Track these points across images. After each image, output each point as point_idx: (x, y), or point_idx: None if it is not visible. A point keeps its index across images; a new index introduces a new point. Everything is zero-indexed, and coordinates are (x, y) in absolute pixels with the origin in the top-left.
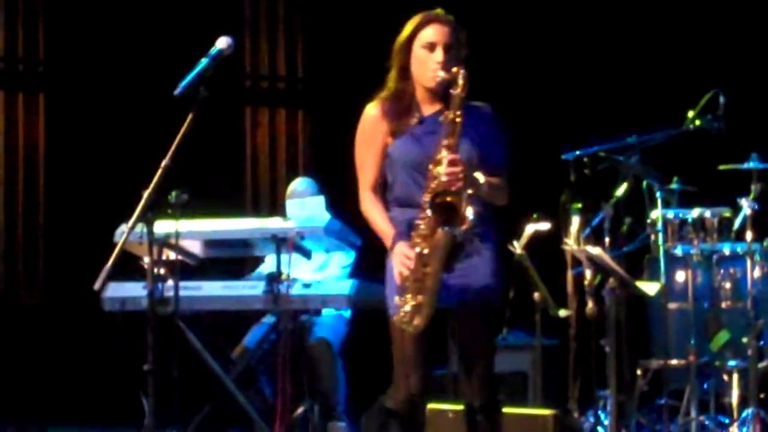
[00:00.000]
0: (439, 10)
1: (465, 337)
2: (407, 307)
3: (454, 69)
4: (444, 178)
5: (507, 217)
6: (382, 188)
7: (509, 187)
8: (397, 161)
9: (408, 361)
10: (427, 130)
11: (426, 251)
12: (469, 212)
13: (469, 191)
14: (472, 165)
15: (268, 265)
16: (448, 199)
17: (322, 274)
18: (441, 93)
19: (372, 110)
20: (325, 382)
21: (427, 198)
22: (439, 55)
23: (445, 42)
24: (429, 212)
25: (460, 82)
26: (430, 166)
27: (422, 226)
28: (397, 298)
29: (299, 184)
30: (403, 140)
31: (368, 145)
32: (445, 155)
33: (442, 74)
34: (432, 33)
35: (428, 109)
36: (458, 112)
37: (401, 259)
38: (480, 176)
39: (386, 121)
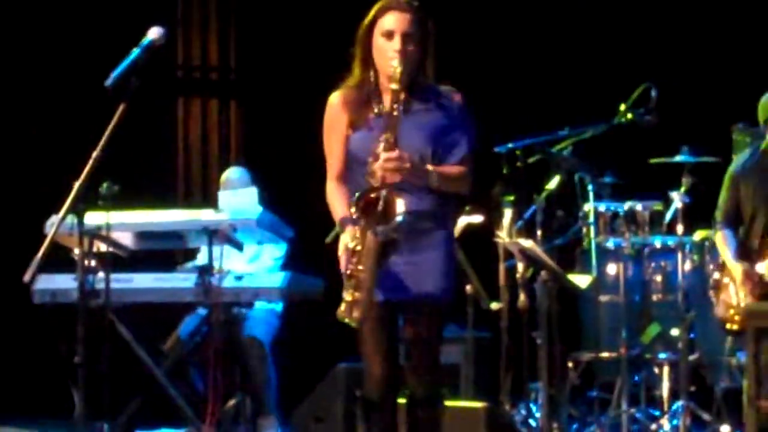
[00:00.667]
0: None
1: (413, 330)
2: (346, 302)
3: (393, 63)
4: (380, 173)
5: None
6: (348, 177)
7: (471, 175)
8: (354, 154)
9: (369, 351)
10: (383, 124)
11: (359, 248)
12: (399, 207)
13: (389, 188)
14: (424, 156)
15: (202, 257)
16: (372, 196)
17: (255, 266)
18: (405, 83)
19: (334, 99)
20: (255, 378)
21: (355, 196)
22: (396, 43)
23: (404, 30)
24: (353, 211)
25: (398, 76)
26: (369, 160)
27: (357, 224)
28: (344, 292)
29: (232, 173)
30: (359, 134)
31: (332, 134)
32: (381, 149)
33: (395, 64)
34: (391, 21)
35: (390, 99)
36: (395, 106)
37: (343, 251)
38: (428, 167)
39: (346, 112)
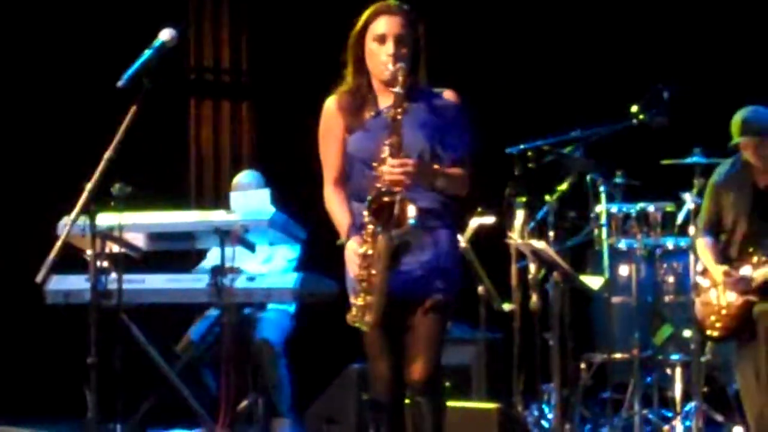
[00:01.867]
0: (391, 1)
1: (416, 328)
2: (357, 306)
3: (395, 66)
4: (387, 177)
5: None
6: (345, 182)
7: (471, 176)
8: (353, 156)
9: (375, 351)
10: (381, 125)
11: (370, 252)
12: (411, 212)
13: (405, 192)
14: (425, 158)
15: (211, 259)
16: (385, 199)
17: (268, 266)
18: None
19: (330, 104)
20: (269, 378)
21: (368, 199)
22: (390, 47)
23: (396, 33)
24: (366, 214)
25: (400, 78)
26: (374, 165)
27: (369, 227)
28: (352, 297)
29: (245, 176)
30: (357, 135)
31: (328, 139)
32: (387, 154)
33: (391, 68)
34: (382, 25)
35: (386, 101)
36: (399, 110)
37: (351, 258)
38: (435, 167)
39: (342, 116)
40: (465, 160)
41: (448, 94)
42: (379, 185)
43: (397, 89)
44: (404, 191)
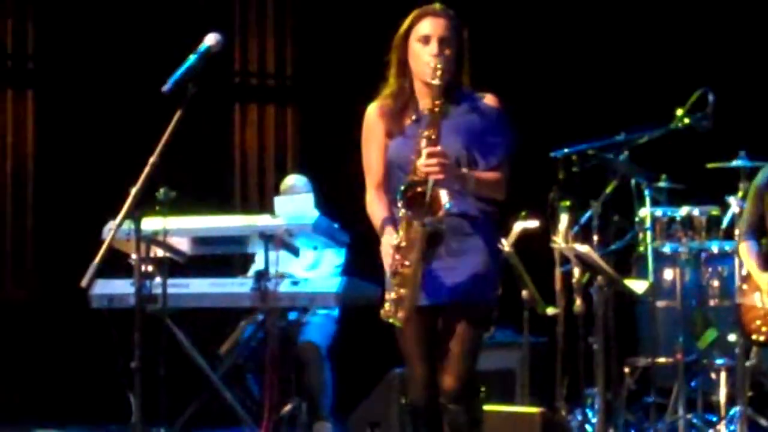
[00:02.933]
0: (436, 4)
1: (451, 333)
2: (390, 301)
3: (431, 59)
4: (424, 168)
5: None
6: (387, 187)
7: (507, 180)
8: (392, 161)
9: (411, 356)
10: (424, 122)
11: (404, 244)
12: (444, 198)
13: (453, 184)
14: (460, 160)
15: (259, 263)
16: (418, 189)
17: (315, 272)
18: (441, 88)
19: (371, 110)
20: (312, 383)
21: (402, 189)
22: (433, 47)
23: (440, 35)
24: (400, 204)
25: (438, 72)
26: (412, 158)
27: (402, 221)
28: (386, 293)
29: (292, 179)
30: (397, 141)
31: (369, 145)
32: (424, 146)
33: (433, 64)
34: (427, 26)
35: (426, 104)
36: (437, 102)
37: (386, 251)
38: (464, 171)
39: (383, 121)
40: (502, 165)
41: (489, 99)
42: (414, 177)
43: (436, 81)
44: (437, 181)
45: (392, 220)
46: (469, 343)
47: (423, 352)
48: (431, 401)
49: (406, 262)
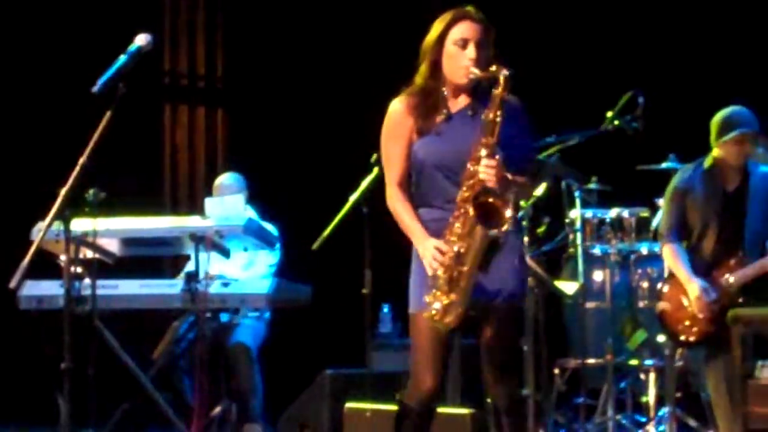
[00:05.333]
0: (470, 8)
1: (492, 337)
2: (438, 305)
3: (494, 68)
4: (482, 176)
5: None
6: (408, 184)
7: (533, 182)
8: (423, 160)
9: (426, 360)
10: (455, 127)
11: (462, 250)
12: (509, 213)
13: (509, 193)
14: (505, 165)
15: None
16: (491, 200)
17: (249, 272)
18: (470, 89)
19: (397, 105)
20: (242, 385)
21: (466, 195)
22: (471, 51)
23: (478, 39)
24: (471, 211)
25: (502, 81)
26: (468, 165)
27: (457, 225)
28: (426, 296)
29: (226, 179)
30: (429, 138)
31: (394, 140)
32: (484, 154)
33: (476, 71)
34: (465, 30)
35: (455, 105)
36: (498, 112)
37: (434, 254)
38: (509, 177)
39: (412, 117)
40: (530, 167)
41: (514, 102)
42: (471, 183)
43: (499, 91)
44: (502, 191)
45: (430, 230)
46: (516, 348)
47: (435, 360)
48: (429, 408)
49: (463, 268)
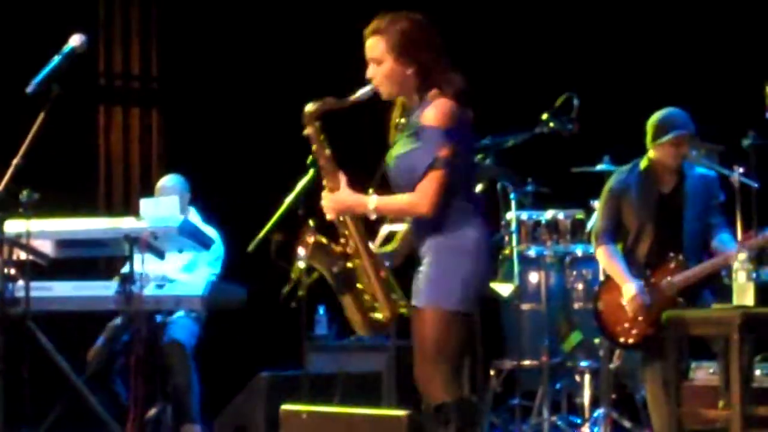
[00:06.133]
0: (371, 24)
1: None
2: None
3: (308, 126)
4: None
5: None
6: None
7: (426, 195)
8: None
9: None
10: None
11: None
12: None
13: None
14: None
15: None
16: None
17: (191, 274)
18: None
19: None
20: (178, 384)
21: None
22: (369, 70)
23: (370, 57)
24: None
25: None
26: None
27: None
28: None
29: (168, 180)
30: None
31: None
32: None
33: (367, 93)
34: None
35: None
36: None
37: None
38: (365, 200)
39: None
40: (422, 180)
41: (426, 107)
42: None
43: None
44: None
45: None
46: (427, 348)
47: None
48: (468, 403)
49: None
